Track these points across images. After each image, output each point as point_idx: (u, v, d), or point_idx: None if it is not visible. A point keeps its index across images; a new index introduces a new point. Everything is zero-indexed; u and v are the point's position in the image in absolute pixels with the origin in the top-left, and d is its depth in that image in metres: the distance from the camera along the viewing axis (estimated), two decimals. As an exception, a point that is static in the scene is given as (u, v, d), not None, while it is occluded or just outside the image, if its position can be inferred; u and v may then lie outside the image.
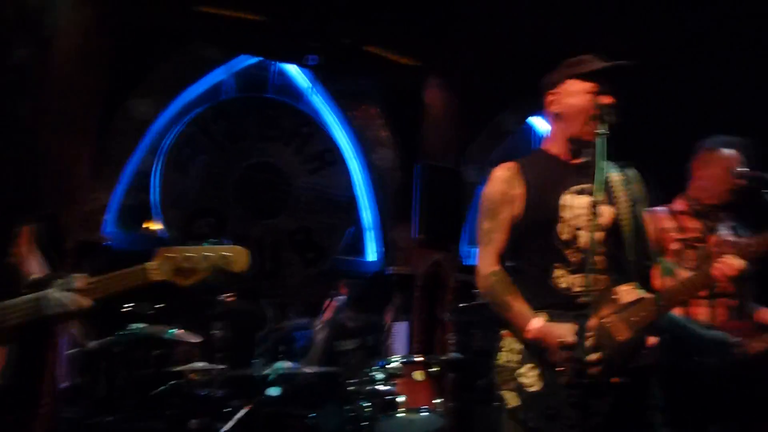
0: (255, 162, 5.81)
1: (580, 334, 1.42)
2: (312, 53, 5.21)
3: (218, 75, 5.71)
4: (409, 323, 5.55)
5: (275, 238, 5.82)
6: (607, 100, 1.91)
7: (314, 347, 4.11)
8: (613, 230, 1.91)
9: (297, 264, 5.88)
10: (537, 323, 1.78)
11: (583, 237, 1.87)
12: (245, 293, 5.40)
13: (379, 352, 4.40)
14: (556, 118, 2.05)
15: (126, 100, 5.07)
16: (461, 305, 5.39)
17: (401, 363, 3.59)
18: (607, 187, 1.95)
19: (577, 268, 1.87)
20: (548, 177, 1.98)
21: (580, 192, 1.93)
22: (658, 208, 2.83)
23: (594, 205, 1.65)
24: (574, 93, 1.97)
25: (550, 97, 2.05)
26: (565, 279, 1.87)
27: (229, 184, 5.68)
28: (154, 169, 5.47)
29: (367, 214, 6.33)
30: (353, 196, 6.25)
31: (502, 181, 1.99)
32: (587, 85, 1.95)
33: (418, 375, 3.57)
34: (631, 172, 2.07)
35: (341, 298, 5.54)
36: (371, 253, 6.29)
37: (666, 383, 2.51)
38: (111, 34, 4.40)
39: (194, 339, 4.17)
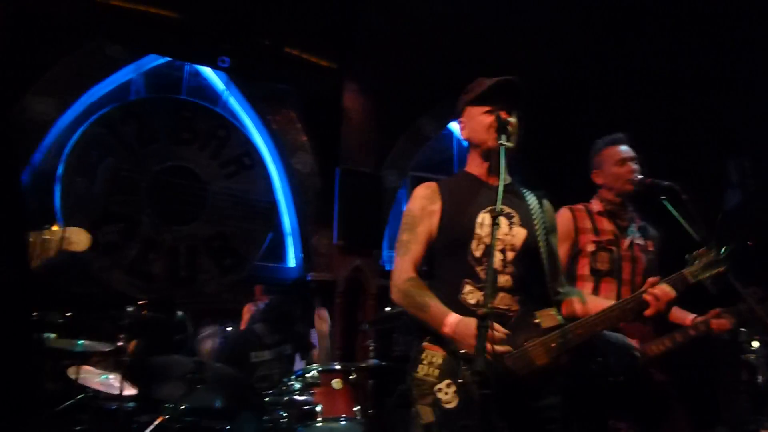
0: (168, 166, 5.57)
1: (480, 346, 1.41)
2: (224, 55, 5.04)
3: (127, 74, 5.45)
4: (329, 330, 5.48)
5: (190, 245, 5.59)
6: (503, 115, 1.98)
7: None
8: (526, 252, 1.95)
9: (213, 271, 5.68)
10: (453, 319, 1.79)
11: (496, 255, 1.90)
12: (159, 302, 5.19)
13: (301, 355, 4.31)
14: (468, 143, 2.15)
15: (23, 97, 4.73)
16: (383, 311, 5.40)
17: (319, 372, 3.52)
18: (524, 211, 2.02)
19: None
20: (466, 196, 2.04)
21: (501, 213, 1.97)
22: (579, 206, 2.91)
23: (495, 216, 1.67)
24: (474, 117, 2.07)
25: (459, 126, 2.17)
26: (473, 295, 1.89)
27: (140, 189, 5.41)
28: (56, 171, 5.13)
29: (286, 219, 6.22)
30: (272, 201, 6.11)
31: (422, 198, 2.07)
32: (480, 109, 2.05)
33: (337, 383, 3.51)
34: (546, 202, 2.15)
35: (260, 305, 5.40)
36: (291, 259, 6.18)
37: (569, 383, 2.58)
38: (2, 25, 4.08)
39: (102, 345, 3.94)
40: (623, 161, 2.83)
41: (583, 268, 2.73)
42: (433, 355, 1.87)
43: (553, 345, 1.78)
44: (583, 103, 6.34)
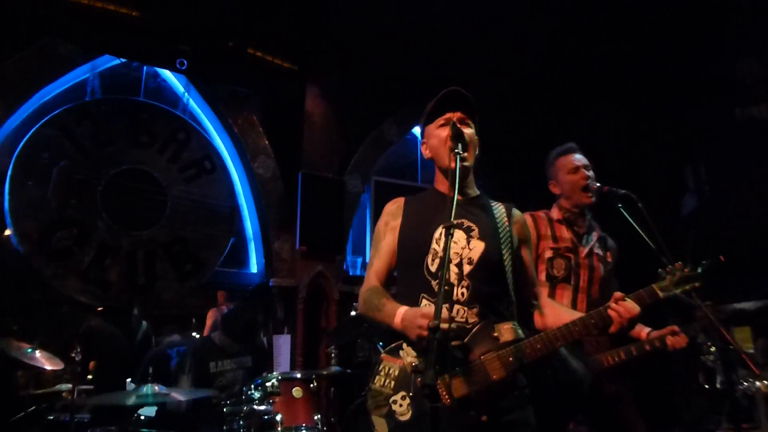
0: (125, 169, 5.41)
1: (428, 359, 1.38)
2: (182, 57, 4.90)
3: (81, 74, 5.28)
4: (292, 336, 5.42)
5: (149, 251, 5.45)
6: (452, 129, 1.95)
7: (183, 369, 3.83)
8: (484, 265, 1.91)
9: (173, 277, 5.54)
10: (402, 309, 1.81)
11: (452, 269, 1.88)
12: (116, 309, 5.04)
13: (258, 371, 4.21)
14: (433, 162, 2.15)
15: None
16: (346, 316, 5.34)
17: (279, 380, 3.45)
18: (486, 224, 1.99)
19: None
20: (427, 211, 2.04)
21: (457, 226, 1.95)
22: (540, 213, 2.92)
23: (448, 228, 1.65)
24: (431, 136, 2.10)
25: (423, 147, 2.19)
26: (429, 309, 1.85)
27: (95, 193, 5.25)
28: (6, 173, 4.93)
29: (248, 224, 6.12)
30: (234, 205, 6.00)
31: (387, 214, 2.13)
32: (436, 125, 2.08)
33: (297, 392, 3.45)
34: (516, 213, 2.12)
35: (223, 310, 5.30)
36: (253, 264, 6.08)
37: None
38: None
39: (53, 362, 3.81)
40: (576, 169, 2.87)
41: (540, 273, 2.74)
42: (391, 367, 1.85)
43: (510, 359, 1.75)
44: (542, 111, 6.42)
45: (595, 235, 2.91)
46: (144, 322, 5.07)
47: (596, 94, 6.23)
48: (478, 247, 1.93)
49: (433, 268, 1.90)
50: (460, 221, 1.97)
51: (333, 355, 4.05)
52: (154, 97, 5.70)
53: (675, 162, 6.66)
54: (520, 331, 1.84)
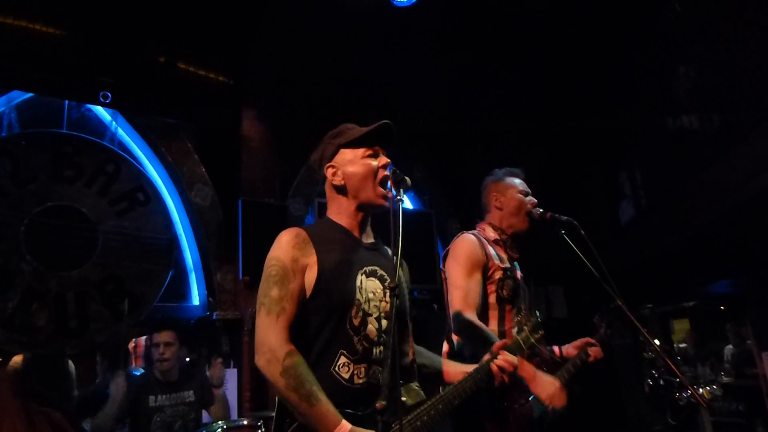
0: (50, 206, 5.08)
1: None
2: (106, 89, 4.60)
3: (-5, 107, 4.95)
4: (238, 371, 5.22)
5: (80, 291, 5.13)
6: (384, 161, 1.90)
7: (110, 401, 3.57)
8: (397, 320, 1.81)
9: (107, 317, 5.24)
10: (346, 427, 1.57)
11: (372, 324, 1.78)
12: (45, 357, 4.73)
13: (203, 407, 4.00)
14: (340, 191, 1.95)
15: None
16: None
17: (224, 430, 3.28)
18: (392, 273, 1.85)
19: (361, 357, 1.74)
20: (341, 252, 1.84)
21: (372, 274, 1.85)
22: (476, 233, 2.86)
23: (392, 287, 1.53)
24: (353, 162, 1.91)
25: (330, 170, 1.95)
26: (348, 369, 1.73)
27: (17, 234, 4.91)
28: None
29: (188, 255, 5.87)
30: (172, 236, 5.73)
31: (293, 247, 1.77)
32: (359, 152, 1.91)
33: (245, 441, 3.30)
34: (403, 261, 2.03)
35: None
36: (195, 297, 5.83)
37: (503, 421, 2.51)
38: None
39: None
40: (526, 193, 2.89)
41: (491, 296, 2.67)
42: None
43: (419, 423, 1.71)
44: (474, 121, 6.46)
45: (516, 259, 2.93)
46: (69, 362, 4.77)
47: (528, 102, 6.32)
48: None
49: (355, 322, 1.75)
50: (373, 268, 1.86)
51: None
52: (79, 128, 5.38)
53: (611, 168, 6.82)
54: (422, 392, 1.80)
